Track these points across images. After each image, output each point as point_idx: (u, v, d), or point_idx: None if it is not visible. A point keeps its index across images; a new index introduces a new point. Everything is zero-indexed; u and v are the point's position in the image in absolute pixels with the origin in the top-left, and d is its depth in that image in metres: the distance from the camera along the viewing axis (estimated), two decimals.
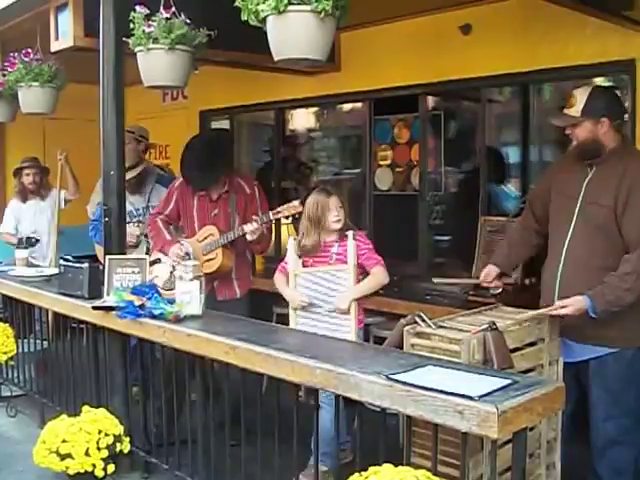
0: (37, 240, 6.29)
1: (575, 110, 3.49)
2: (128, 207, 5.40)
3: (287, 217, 4.39)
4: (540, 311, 3.31)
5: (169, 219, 4.87)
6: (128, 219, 5.40)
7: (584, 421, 3.54)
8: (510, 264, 3.95)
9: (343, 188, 6.51)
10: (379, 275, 4.03)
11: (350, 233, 4.04)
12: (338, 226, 4.08)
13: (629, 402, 3.46)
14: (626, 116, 4.56)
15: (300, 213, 4.24)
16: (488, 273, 3.88)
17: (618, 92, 4.16)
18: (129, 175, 5.32)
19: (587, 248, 3.47)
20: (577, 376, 3.52)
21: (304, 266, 4.13)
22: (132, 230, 5.42)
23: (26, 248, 6.05)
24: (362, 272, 4.06)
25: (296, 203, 4.27)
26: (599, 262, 3.41)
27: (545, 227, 3.78)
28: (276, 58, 2.99)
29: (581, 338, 3.43)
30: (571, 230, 3.53)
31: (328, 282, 4.05)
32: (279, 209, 4.33)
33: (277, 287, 4.19)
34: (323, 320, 4.05)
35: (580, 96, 3.49)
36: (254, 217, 4.42)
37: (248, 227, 4.38)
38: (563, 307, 3.29)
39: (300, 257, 4.14)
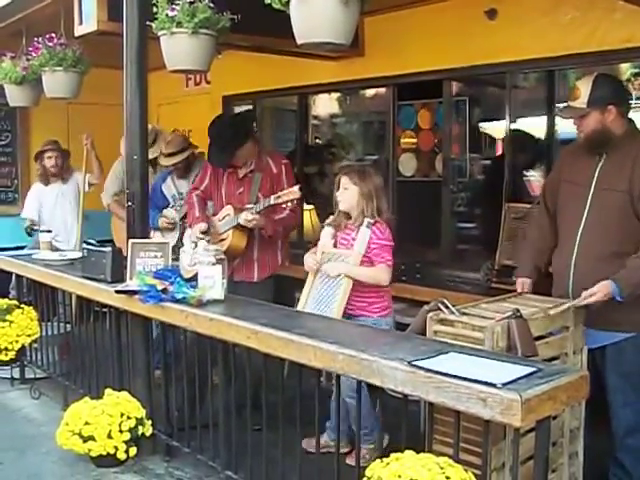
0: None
1: (580, 102, 3.47)
2: (172, 191, 5.55)
3: (286, 202, 4.36)
4: (571, 303, 3.27)
5: (205, 195, 4.92)
6: (172, 202, 5.55)
7: (603, 407, 3.51)
8: (537, 270, 3.80)
9: None
10: (380, 272, 3.90)
11: (366, 220, 3.93)
12: (341, 206, 4.03)
13: None
14: (632, 101, 4.51)
15: (299, 199, 4.29)
16: (523, 286, 3.75)
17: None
18: (176, 160, 5.41)
19: (602, 235, 3.44)
20: (593, 361, 3.48)
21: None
22: (169, 213, 5.48)
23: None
24: (370, 266, 3.94)
25: (295, 189, 4.27)
26: (614, 248, 3.39)
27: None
28: (299, 42, 2.98)
29: (599, 325, 3.39)
30: (584, 218, 3.50)
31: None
32: (280, 194, 4.34)
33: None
34: (318, 292, 4.05)
35: (584, 87, 3.47)
36: (247, 206, 4.47)
37: (242, 216, 4.42)
38: (591, 295, 3.26)
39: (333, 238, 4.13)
